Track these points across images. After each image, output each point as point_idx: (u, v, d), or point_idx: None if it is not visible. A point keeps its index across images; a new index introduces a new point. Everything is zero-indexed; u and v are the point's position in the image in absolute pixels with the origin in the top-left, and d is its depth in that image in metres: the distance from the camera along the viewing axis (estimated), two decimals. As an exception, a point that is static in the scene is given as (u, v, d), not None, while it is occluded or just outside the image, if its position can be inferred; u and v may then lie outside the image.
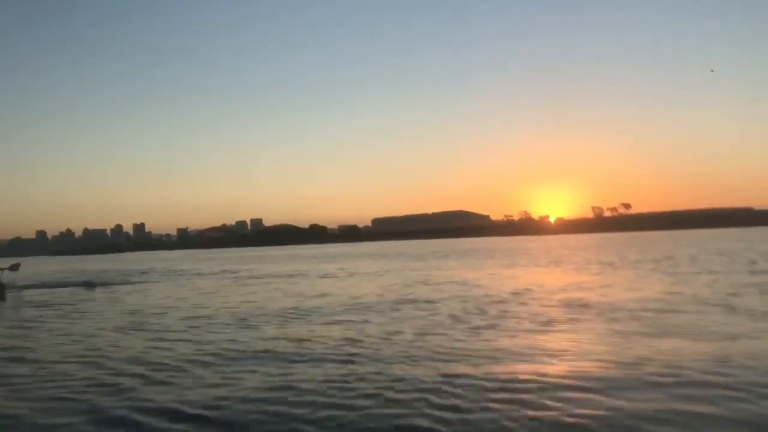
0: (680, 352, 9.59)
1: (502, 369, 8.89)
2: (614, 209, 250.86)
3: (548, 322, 13.11)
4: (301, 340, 12.04)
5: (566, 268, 30.72)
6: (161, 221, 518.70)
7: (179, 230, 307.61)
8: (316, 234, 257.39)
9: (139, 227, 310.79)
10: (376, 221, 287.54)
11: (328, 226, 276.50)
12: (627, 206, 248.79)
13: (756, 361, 8.81)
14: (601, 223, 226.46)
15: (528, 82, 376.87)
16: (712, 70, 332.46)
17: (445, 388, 7.97)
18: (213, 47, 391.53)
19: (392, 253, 64.45)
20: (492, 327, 12.81)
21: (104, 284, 32.78)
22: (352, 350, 10.76)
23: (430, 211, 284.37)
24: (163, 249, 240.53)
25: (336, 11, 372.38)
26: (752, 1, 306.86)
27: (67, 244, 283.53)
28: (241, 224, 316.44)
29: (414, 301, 18.23)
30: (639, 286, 20.22)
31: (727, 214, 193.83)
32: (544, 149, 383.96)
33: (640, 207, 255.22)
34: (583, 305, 15.58)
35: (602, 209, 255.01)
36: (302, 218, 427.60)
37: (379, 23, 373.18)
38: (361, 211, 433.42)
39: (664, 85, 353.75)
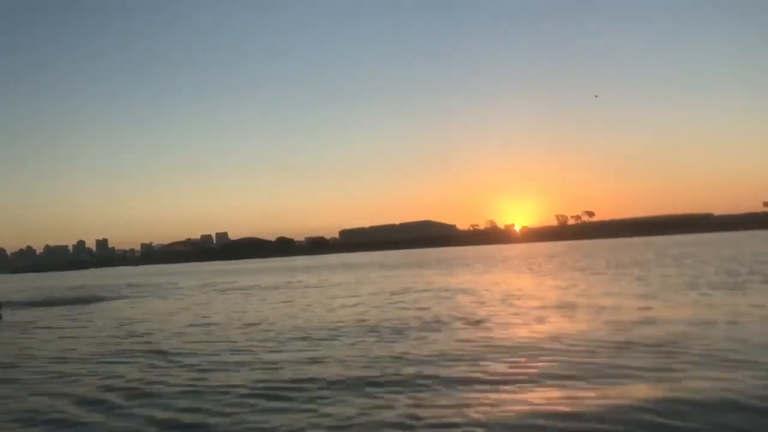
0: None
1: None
2: (578, 217, 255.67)
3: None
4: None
5: (557, 276, 31.56)
6: (124, 236, 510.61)
7: (143, 245, 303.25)
8: (284, 246, 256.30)
9: (102, 243, 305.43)
10: (344, 233, 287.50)
11: (295, 239, 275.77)
12: (590, 214, 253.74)
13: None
14: (565, 231, 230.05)
15: (492, 95, 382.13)
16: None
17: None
18: (174, 63, 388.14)
19: (374, 264, 64.89)
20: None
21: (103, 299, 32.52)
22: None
23: (397, 222, 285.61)
24: (127, 265, 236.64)
25: (304, 25, 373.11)
26: (706, 10, 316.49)
27: (28, 260, 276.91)
28: (207, 238, 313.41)
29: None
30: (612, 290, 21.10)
31: (688, 220, 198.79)
32: (509, 159, 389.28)
33: (603, 215, 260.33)
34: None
35: (566, 217, 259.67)
36: (268, 231, 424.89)
37: (346, 37, 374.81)
38: (328, 223, 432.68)
39: (623, 96, 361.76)
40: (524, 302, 16.76)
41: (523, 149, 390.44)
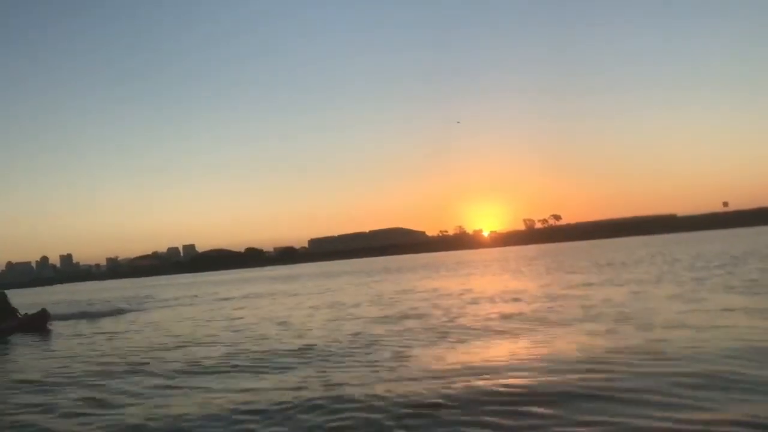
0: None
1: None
2: (545, 221, 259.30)
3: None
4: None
5: (541, 276, 32.33)
6: (89, 251, 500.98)
7: (108, 260, 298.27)
8: (253, 257, 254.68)
9: (66, 258, 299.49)
10: (313, 241, 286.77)
11: (264, 249, 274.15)
12: (557, 217, 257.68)
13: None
14: (532, 235, 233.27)
15: (457, 101, 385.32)
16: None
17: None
18: (135, 73, 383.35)
19: (355, 271, 65.00)
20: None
21: (135, 310, 29.93)
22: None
23: (366, 230, 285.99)
24: (93, 280, 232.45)
25: (273, 32, 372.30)
26: (663, 13, 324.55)
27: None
28: (174, 251, 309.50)
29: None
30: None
31: (652, 221, 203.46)
32: (476, 166, 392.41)
33: (569, 218, 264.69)
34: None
35: (533, 221, 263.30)
36: (236, 242, 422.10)
37: (314, 44, 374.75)
38: (297, 232, 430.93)
39: (585, 99, 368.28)
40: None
41: (490, 155, 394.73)
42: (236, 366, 11.38)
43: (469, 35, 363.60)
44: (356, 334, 14.36)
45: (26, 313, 23.40)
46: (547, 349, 10.57)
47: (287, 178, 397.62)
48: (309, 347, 12.81)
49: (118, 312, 28.91)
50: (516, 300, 19.24)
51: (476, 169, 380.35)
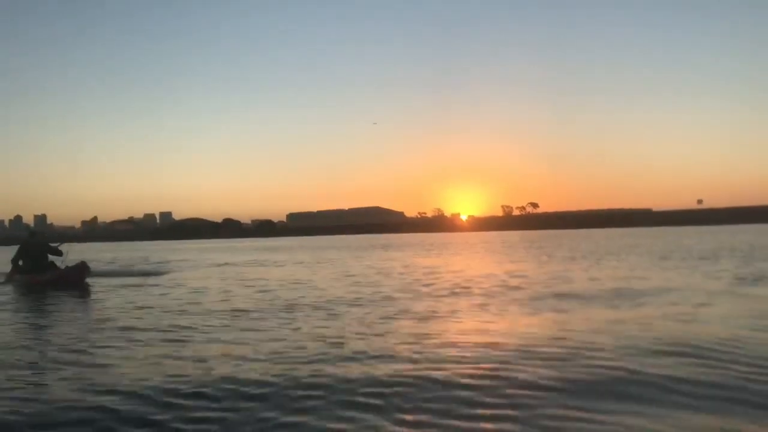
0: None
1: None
2: (523, 208, 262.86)
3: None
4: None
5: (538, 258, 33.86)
6: (64, 213, 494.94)
7: (84, 222, 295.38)
8: (230, 228, 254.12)
9: (41, 219, 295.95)
10: (292, 216, 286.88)
11: (242, 221, 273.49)
12: (535, 205, 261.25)
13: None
14: (510, 221, 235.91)
15: (438, 84, 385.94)
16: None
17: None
18: (121, 42, 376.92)
19: (343, 246, 66.03)
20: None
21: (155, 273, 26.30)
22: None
23: (345, 207, 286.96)
24: (68, 242, 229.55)
25: (247, 8, 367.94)
26: (647, 8, 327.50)
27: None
28: (150, 217, 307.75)
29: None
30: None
31: (628, 214, 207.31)
32: (456, 149, 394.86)
33: (547, 206, 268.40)
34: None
35: (511, 208, 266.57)
36: (213, 212, 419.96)
37: (299, 20, 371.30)
38: (276, 205, 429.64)
39: (567, 88, 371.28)
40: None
41: (471, 140, 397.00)
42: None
43: (458, 25, 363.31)
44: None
45: (66, 266, 21.90)
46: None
47: (266, 151, 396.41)
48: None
49: (147, 273, 26.30)
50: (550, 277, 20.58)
51: (457, 153, 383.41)
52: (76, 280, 21.19)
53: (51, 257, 22.58)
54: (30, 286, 20.98)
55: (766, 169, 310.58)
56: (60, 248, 22.72)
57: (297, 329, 11.03)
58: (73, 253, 23.93)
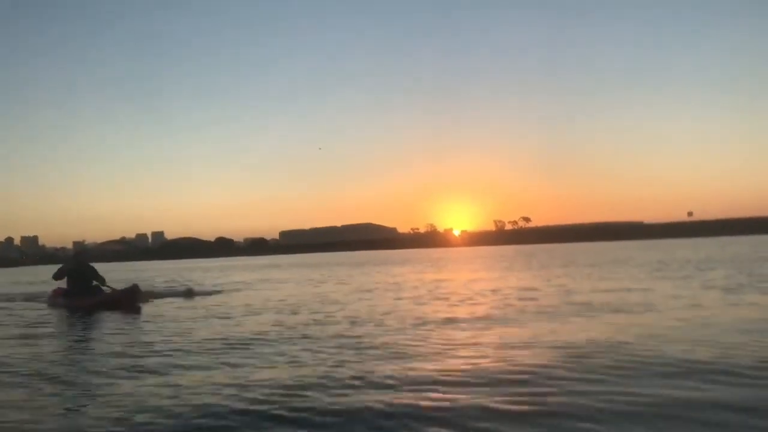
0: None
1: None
2: (515, 222, 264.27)
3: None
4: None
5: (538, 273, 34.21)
6: (54, 234, 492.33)
7: (75, 243, 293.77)
8: (224, 247, 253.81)
9: (32, 240, 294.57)
10: (284, 234, 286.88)
11: (234, 239, 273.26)
12: (527, 219, 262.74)
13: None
14: (503, 236, 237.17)
15: (431, 100, 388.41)
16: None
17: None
18: (107, 56, 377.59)
19: (343, 263, 66.31)
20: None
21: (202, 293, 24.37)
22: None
23: (338, 224, 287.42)
24: (60, 263, 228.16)
25: (238, 25, 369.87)
26: (637, 20, 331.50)
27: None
28: (142, 237, 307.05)
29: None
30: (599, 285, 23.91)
31: (619, 227, 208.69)
32: (448, 164, 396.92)
33: (539, 220, 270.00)
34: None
35: (504, 222, 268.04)
36: (206, 231, 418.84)
37: (278, 37, 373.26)
38: (268, 224, 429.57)
39: (558, 103, 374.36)
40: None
41: (462, 154, 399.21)
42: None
43: (448, 43, 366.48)
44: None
45: (112, 288, 20.72)
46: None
47: (257, 169, 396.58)
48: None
49: (188, 293, 24.24)
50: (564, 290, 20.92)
51: (449, 169, 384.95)
52: (130, 304, 19.74)
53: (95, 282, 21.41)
54: (77, 310, 19.53)
55: (756, 180, 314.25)
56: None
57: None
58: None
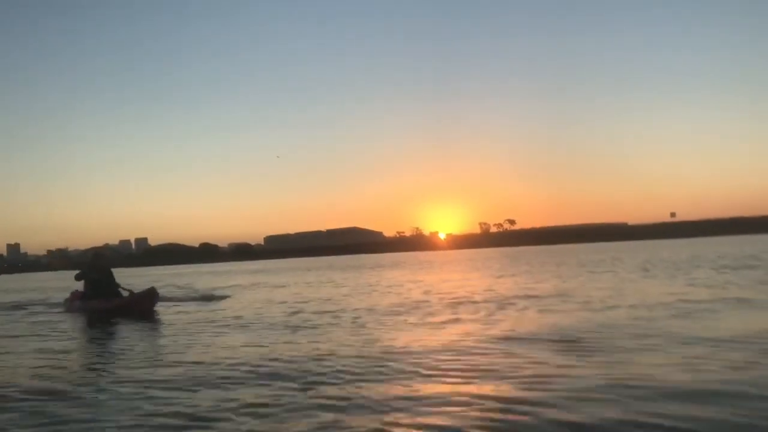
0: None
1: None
2: (500, 225, 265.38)
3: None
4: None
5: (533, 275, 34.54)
6: (35, 241, 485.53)
7: (59, 250, 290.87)
8: (208, 252, 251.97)
9: (14, 248, 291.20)
10: (269, 239, 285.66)
11: (219, 245, 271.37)
12: (512, 222, 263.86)
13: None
14: (488, 239, 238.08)
15: (415, 103, 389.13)
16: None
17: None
18: (88, 61, 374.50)
19: (333, 267, 66.37)
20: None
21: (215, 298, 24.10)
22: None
23: (323, 228, 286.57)
24: (42, 270, 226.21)
25: (223, 31, 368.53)
26: (625, 22, 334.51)
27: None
28: (126, 243, 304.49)
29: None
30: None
31: (603, 229, 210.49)
32: (432, 167, 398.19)
33: (524, 223, 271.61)
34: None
35: (489, 225, 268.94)
36: (189, 237, 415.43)
37: (263, 41, 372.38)
38: (253, 229, 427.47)
39: (542, 106, 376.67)
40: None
41: (447, 157, 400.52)
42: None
43: (434, 51, 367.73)
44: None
45: (131, 291, 20.36)
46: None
47: (241, 174, 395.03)
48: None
49: (202, 298, 24.13)
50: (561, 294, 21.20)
51: (434, 172, 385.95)
52: (148, 307, 19.43)
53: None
54: (97, 313, 19.49)
55: (737, 181, 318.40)
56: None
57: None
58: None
